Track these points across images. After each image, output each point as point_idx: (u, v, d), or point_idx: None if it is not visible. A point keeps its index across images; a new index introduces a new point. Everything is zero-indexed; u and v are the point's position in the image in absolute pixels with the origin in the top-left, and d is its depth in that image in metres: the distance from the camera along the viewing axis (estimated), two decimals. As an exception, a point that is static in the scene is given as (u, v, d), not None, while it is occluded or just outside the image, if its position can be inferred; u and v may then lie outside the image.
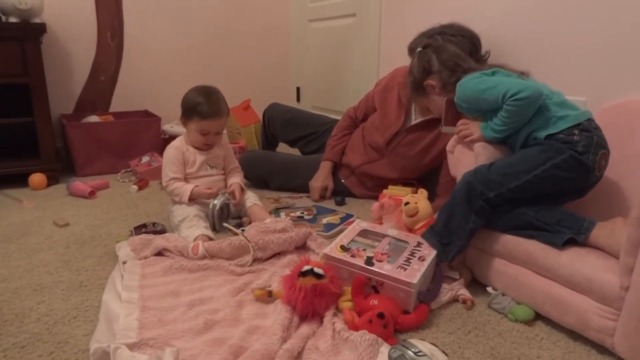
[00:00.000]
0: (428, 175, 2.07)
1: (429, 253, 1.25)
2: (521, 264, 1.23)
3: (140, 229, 1.69)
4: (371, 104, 2.16)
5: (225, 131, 2.80)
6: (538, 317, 1.21)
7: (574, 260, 1.12)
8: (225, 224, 1.70)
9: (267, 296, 1.26)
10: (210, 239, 1.59)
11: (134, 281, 1.34)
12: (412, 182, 2.07)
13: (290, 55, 3.45)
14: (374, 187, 2.14)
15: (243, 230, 1.64)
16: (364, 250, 1.28)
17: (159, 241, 1.53)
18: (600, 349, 1.09)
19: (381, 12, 2.50)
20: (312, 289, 1.16)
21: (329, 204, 2.11)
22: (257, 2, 3.25)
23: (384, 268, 1.20)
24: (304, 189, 2.21)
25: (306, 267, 1.20)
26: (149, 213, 1.97)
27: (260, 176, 2.29)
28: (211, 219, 1.74)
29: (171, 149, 1.81)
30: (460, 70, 1.48)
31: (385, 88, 2.09)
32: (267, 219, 1.69)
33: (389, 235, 1.34)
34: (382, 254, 1.25)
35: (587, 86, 1.53)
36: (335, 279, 1.21)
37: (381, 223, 1.67)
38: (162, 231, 1.69)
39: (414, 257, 1.23)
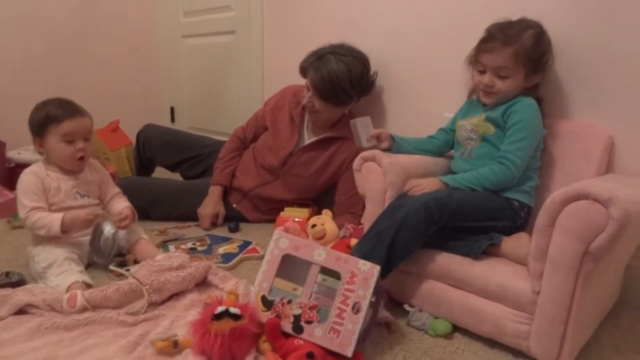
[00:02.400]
0: (322, 195, 2.04)
1: (364, 294, 1.07)
2: (436, 278, 1.25)
3: (-11, 282, 1.35)
4: (261, 123, 2.07)
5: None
6: (456, 329, 1.23)
7: (486, 271, 1.17)
8: (111, 266, 1.44)
9: (173, 347, 1.08)
10: (89, 285, 1.33)
11: (-13, 353, 1.05)
12: (308, 202, 2.02)
13: (161, 72, 3.19)
14: (268, 210, 2.04)
15: (128, 270, 1.41)
16: (289, 302, 1.10)
17: (20, 295, 1.23)
18: (517, 353, 1.13)
19: (263, 31, 2.44)
20: (230, 333, 1.01)
21: (222, 231, 1.95)
22: (117, 12, 2.96)
23: (314, 334, 1.05)
24: (191, 217, 2.01)
25: (220, 309, 1.06)
26: (-3, 260, 1.60)
27: (139, 206, 1.98)
28: (106, 249, 1.48)
29: (27, 176, 1.50)
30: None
31: (275, 107, 2.02)
32: (159, 255, 1.48)
33: (315, 263, 1.12)
34: (310, 309, 1.08)
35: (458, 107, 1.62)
36: (254, 317, 1.08)
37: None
38: (21, 282, 1.37)
39: (348, 305, 1.06)
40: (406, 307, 1.29)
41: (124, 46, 3.02)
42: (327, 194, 2.01)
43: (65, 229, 1.42)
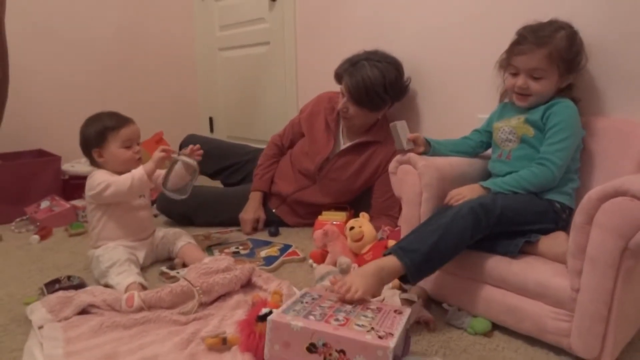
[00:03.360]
0: (358, 198, 2.08)
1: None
2: (474, 277, 1.27)
3: (53, 285, 1.46)
4: (297, 130, 2.14)
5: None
6: (495, 327, 1.24)
7: (525, 269, 1.18)
8: (162, 268, 1.54)
9: (222, 344, 1.15)
10: (144, 287, 1.42)
11: (57, 349, 1.15)
12: (345, 206, 2.07)
13: (199, 84, 3.33)
14: (306, 214, 2.10)
15: (178, 273, 1.50)
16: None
17: (83, 297, 1.33)
18: (557, 350, 1.14)
19: (296, 40, 2.51)
20: (274, 333, 1.07)
21: (263, 235, 2.02)
22: (158, 31, 3.12)
23: None
24: (233, 222, 2.10)
25: (264, 310, 1.11)
26: (58, 266, 1.72)
27: (184, 213, 2.14)
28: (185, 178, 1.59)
29: (97, 173, 1.61)
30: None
31: (311, 114, 2.08)
32: (206, 258, 1.56)
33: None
34: None
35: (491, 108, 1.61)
36: (297, 317, 1.13)
37: (326, 250, 1.64)
38: (81, 285, 1.48)
39: None
40: (445, 306, 1.31)
41: (165, 62, 3.18)
42: (363, 197, 2.06)
43: (149, 171, 1.55)
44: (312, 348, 0.96)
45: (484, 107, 1.65)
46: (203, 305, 1.35)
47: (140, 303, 1.30)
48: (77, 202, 2.31)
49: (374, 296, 1.21)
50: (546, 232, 1.27)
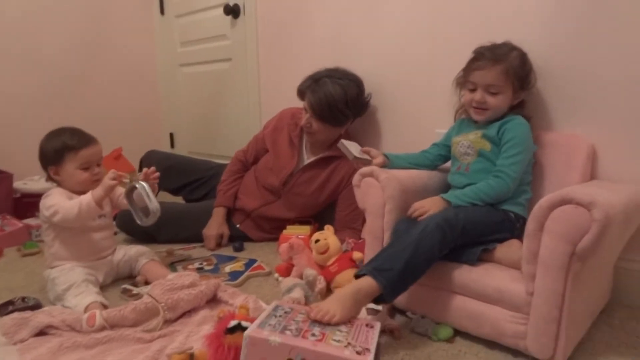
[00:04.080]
0: (322, 212, 2.11)
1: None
2: (437, 285, 1.31)
3: (6, 307, 1.40)
4: (261, 145, 2.16)
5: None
6: (457, 332, 1.29)
7: (483, 276, 1.24)
8: (125, 286, 1.50)
9: (189, 360, 1.13)
10: (105, 306, 1.38)
11: (13, 373, 1.10)
12: (309, 220, 2.09)
13: (160, 100, 3.29)
14: (270, 229, 2.11)
15: (141, 290, 1.47)
16: None
17: (40, 317, 1.28)
18: (515, 353, 1.20)
19: (258, 57, 2.54)
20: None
21: (227, 251, 2.01)
22: (118, 46, 3.09)
23: None
24: (196, 238, 2.08)
25: (233, 323, 1.11)
26: (11, 287, 1.64)
27: (145, 230, 2.07)
28: (144, 204, 1.48)
29: (54, 193, 1.55)
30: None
31: (274, 129, 2.11)
32: (170, 274, 1.53)
33: None
34: None
35: (448, 124, 1.70)
36: (266, 329, 1.13)
37: (291, 264, 1.65)
38: (37, 306, 1.42)
39: None
40: (409, 314, 1.35)
41: (125, 77, 3.13)
42: (327, 211, 2.09)
43: (97, 199, 1.48)
44: None
45: (441, 122, 1.74)
46: (168, 321, 1.33)
47: (102, 322, 1.26)
48: (31, 221, 2.21)
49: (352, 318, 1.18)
50: (503, 241, 1.34)
